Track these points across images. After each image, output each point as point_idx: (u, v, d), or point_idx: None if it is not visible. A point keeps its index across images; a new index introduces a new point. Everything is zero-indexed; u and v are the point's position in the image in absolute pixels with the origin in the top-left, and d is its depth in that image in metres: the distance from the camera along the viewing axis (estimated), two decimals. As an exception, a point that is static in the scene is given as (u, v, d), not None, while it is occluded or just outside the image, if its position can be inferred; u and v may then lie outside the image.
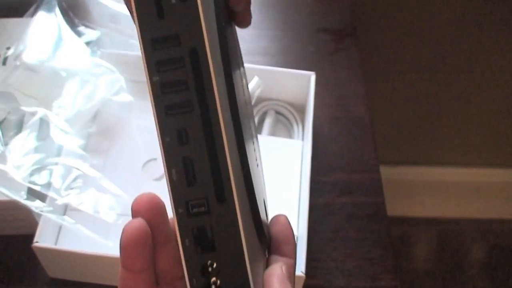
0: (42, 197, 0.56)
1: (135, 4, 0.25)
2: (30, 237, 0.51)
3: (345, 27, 0.80)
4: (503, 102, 1.31)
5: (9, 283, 0.57)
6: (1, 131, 0.59)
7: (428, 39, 1.15)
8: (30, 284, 0.57)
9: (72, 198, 0.59)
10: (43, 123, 0.61)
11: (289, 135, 0.67)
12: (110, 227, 0.57)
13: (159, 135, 0.25)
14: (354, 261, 0.60)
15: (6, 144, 0.58)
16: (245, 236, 0.26)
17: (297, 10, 0.78)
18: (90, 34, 0.69)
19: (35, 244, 0.51)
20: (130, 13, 0.27)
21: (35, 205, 0.56)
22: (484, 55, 1.18)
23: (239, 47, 0.36)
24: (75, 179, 0.61)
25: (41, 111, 0.60)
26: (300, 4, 0.81)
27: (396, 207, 1.45)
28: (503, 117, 1.35)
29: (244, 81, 0.35)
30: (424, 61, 1.20)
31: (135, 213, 0.27)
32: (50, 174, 0.61)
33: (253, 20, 0.33)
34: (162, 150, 0.25)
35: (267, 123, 0.66)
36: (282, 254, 0.31)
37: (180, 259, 0.26)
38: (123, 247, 0.27)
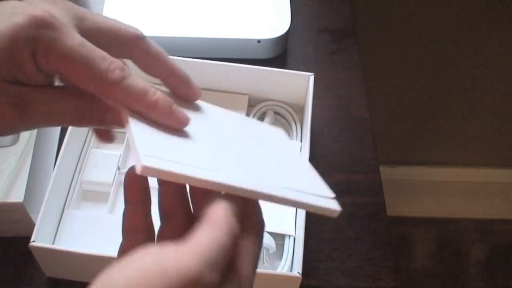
0: (40, 198, 0.56)
1: None
2: (27, 238, 0.51)
3: (345, 27, 0.80)
4: (503, 102, 1.31)
5: (6, 283, 0.56)
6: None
7: (428, 39, 1.15)
8: (27, 283, 0.57)
9: (69, 199, 0.59)
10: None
11: (288, 135, 0.66)
12: (107, 226, 0.57)
13: None
14: (354, 261, 0.60)
15: (6, 145, 0.58)
16: None
17: (297, 10, 0.78)
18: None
19: (32, 244, 0.50)
20: None
21: (32, 207, 0.56)
22: (484, 55, 1.18)
23: None
24: (73, 180, 0.61)
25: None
26: (300, 4, 0.81)
27: (396, 207, 1.45)
28: (503, 117, 1.35)
29: None
30: (424, 61, 1.20)
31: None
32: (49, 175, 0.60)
33: None
34: None
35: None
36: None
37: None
38: (126, 184, 0.32)
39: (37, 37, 0.29)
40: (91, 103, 0.32)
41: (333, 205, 0.34)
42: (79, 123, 0.32)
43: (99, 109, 0.32)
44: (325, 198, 0.34)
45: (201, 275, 0.24)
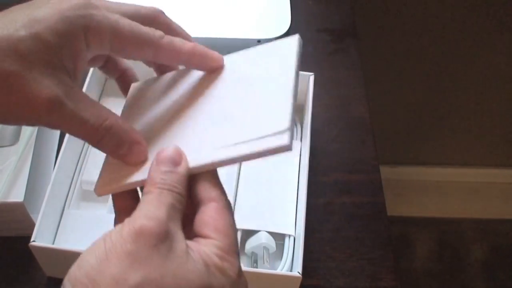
0: (40, 198, 0.56)
1: None
2: (27, 238, 0.51)
3: (345, 27, 0.80)
4: (503, 102, 1.31)
5: (5, 282, 0.56)
6: (1, 132, 0.59)
7: (428, 39, 1.15)
8: (27, 283, 0.57)
9: (69, 199, 0.59)
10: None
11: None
12: (107, 226, 0.57)
13: None
14: (354, 261, 0.60)
15: (6, 145, 0.58)
16: None
17: (297, 10, 0.78)
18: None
19: (32, 243, 0.50)
20: None
21: (32, 207, 0.56)
22: (484, 55, 1.18)
23: None
24: (73, 180, 0.61)
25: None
26: (300, 4, 0.81)
27: (396, 207, 1.45)
28: (503, 117, 1.35)
29: None
30: (424, 61, 1.20)
31: None
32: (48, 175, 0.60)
33: None
34: None
35: (267, 123, 0.65)
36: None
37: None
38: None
39: (87, 15, 0.32)
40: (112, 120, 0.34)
41: (281, 141, 0.31)
42: (94, 134, 0.34)
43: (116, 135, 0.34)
44: (273, 136, 0.31)
45: (144, 225, 0.30)
